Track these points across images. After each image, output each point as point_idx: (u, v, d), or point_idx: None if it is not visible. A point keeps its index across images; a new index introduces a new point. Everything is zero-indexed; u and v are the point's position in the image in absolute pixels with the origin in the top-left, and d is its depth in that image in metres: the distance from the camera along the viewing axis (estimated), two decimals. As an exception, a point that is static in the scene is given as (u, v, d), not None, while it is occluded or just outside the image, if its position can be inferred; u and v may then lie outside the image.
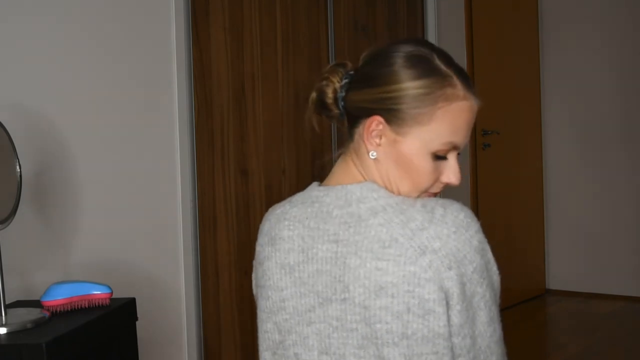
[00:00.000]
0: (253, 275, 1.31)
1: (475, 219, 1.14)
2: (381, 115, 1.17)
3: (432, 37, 4.30)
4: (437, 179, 1.20)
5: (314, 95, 1.26)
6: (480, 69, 4.69)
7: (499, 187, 4.88)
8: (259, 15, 3.33)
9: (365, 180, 1.20)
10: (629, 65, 4.92)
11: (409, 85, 1.16)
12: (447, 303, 1.09)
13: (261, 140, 3.33)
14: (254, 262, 1.29)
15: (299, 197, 1.24)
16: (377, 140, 1.18)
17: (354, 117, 1.22)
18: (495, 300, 1.15)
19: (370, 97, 1.19)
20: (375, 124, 1.17)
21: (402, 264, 1.09)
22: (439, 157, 1.18)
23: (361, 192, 1.17)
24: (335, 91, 1.23)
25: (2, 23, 2.36)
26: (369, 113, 1.18)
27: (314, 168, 3.58)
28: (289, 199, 1.26)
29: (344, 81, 1.23)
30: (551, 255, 5.29)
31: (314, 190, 1.23)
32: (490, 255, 1.15)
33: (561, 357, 4.00)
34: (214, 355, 3.13)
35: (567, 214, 5.21)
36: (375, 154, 1.19)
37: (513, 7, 5.05)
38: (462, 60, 4.60)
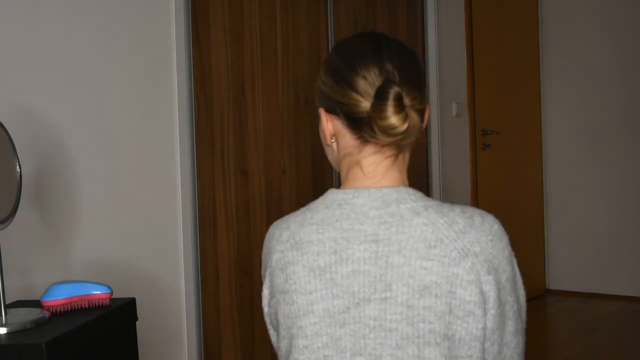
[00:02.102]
0: (266, 284, 1.23)
1: (505, 232, 1.17)
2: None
3: (432, 37, 4.30)
4: None
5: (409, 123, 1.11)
6: (480, 69, 4.69)
7: (499, 187, 4.88)
8: (259, 15, 3.33)
9: (399, 185, 1.17)
10: (629, 65, 4.92)
11: None
12: (484, 307, 1.09)
13: (261, 140, 3.33)
14: (268, 272, 1.21)
15: (319, 203, 1.19)
16: None
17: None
18: (521, 315, 1.17)
19: (423, 95, 1.16)
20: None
21: (446, 265, 1.09)
22: None
23: (398, 195, 1.14)
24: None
25: (2, 23, 2.36)
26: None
27: (314, 168, 3.57)
28: (305, 208, 1.21)
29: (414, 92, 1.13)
30: (551, 255, 5.29)
31: (337, 193, 1.18)
32: (517, 269, 1.17)
33: (561, 357, 4.00)
34: (214, 355, 3.13)
35: (567, 214, 5.21)
36: None
37: (513, 7, 5.05)
38: (462, 60, 4.60)
